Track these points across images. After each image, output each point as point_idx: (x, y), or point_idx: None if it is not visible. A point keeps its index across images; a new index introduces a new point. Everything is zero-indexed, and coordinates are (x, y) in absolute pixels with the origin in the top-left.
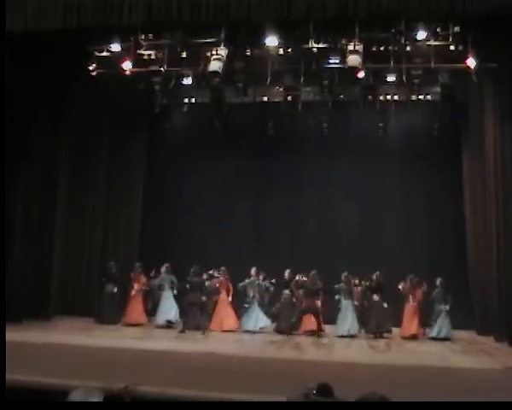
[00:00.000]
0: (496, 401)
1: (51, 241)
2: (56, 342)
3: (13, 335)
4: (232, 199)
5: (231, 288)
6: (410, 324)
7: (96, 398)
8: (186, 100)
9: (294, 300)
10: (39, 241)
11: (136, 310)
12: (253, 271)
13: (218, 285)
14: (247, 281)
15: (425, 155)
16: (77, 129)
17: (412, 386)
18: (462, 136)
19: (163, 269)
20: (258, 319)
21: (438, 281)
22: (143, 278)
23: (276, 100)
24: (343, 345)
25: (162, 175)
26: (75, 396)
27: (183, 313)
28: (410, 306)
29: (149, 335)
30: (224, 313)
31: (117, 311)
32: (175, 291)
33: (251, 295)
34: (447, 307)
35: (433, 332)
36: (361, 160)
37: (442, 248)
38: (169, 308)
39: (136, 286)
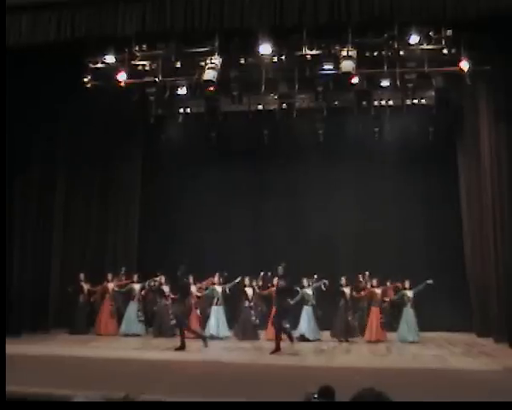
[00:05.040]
0: (496, 401)
1: (49, 255)
2: (55, 354)
3: (12, 348)
4: (229, 208)
5: None
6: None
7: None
8: (181, 110)
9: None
10: (38, 255)
11: (105, 320)
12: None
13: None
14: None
15: (421, 159)
16: (72, 141)
17: (413, 389)
18: (457, 139)
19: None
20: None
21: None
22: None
23: (271, 108)
24: (343, 350)
25: (158, 185)
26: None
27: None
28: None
29: (149, 345)
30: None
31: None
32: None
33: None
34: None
35: None
36: (357, 165)
37: (440, 251)
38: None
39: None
